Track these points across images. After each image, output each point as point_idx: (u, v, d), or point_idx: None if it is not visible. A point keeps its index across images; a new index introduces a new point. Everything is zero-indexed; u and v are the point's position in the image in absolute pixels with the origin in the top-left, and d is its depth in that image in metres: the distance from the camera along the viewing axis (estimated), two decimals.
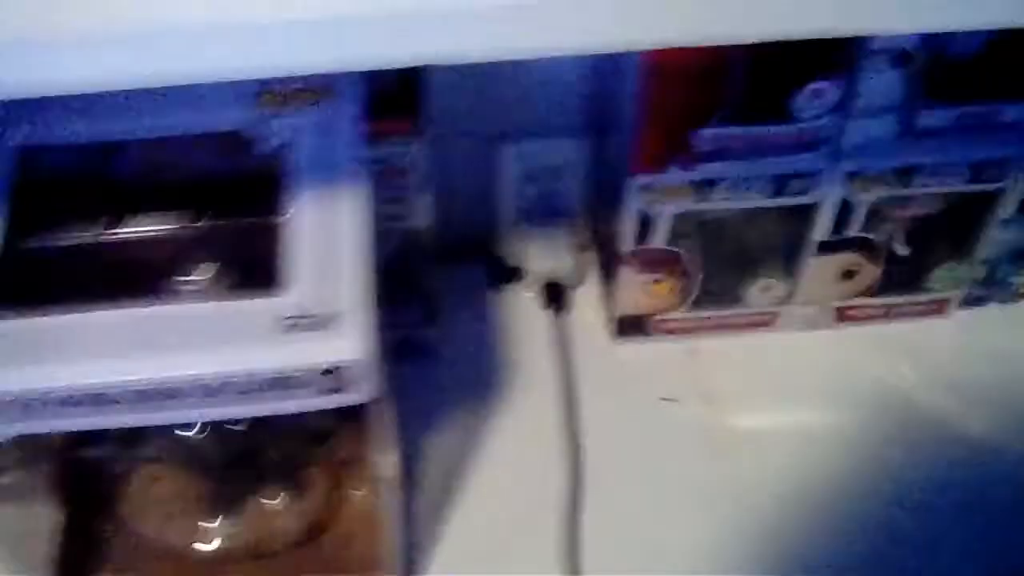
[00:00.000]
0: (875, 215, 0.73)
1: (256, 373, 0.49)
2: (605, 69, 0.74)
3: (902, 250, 0.77)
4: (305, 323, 0.50)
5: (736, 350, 0.80)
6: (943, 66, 0.65)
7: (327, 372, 0.50)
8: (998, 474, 0.73)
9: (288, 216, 0.53)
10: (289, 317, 0.50)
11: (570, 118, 0.78)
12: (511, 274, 0.82)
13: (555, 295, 0.80)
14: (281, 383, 0.50)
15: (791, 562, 0.68)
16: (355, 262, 0.51)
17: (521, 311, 0.81)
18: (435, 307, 0.77)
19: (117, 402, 0.50)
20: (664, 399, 0.78)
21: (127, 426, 0.52)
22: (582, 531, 0.70)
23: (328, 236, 0.52)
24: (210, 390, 0.50)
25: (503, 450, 0.74)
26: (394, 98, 0.63)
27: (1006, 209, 0.75)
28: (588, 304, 0.82)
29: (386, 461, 0.59)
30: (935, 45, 0.64)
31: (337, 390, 0.51)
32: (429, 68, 0.71)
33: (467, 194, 0.80)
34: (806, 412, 0.77)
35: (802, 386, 0.79)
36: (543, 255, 0.80)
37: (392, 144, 0.65)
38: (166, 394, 0.50)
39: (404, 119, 0.64)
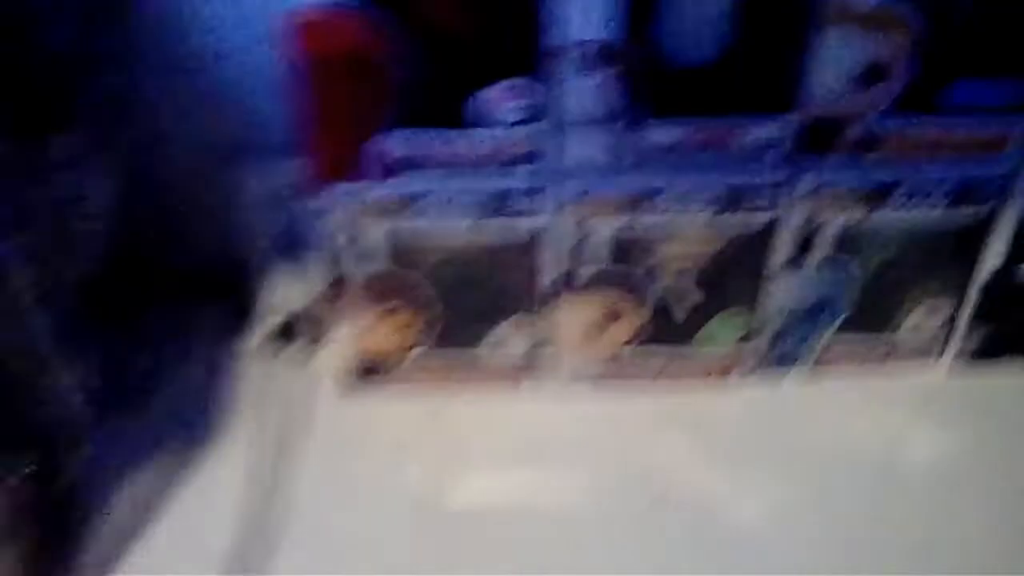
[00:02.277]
0: (628, 248, 0.64)
1: None
2: None
3: (672, 296, 0.67)
4: None
5: (487, 408, 0.71)
6: (669, 74, 0.57)
7: None
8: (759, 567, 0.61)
9: None
10: None
11: None
12: (248, 314, 0.74)
13: (290, 337, 0.72)
14: None
15: None
16: None
17: (253, 354, 0.73)
18: (158, 347, 0.70)
19: None
20: (393, 459, 0.68)
21: None
22: None
23: None
24: None
25: (200, 508, 0.65)
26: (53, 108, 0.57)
27: (781, 252, 0.65)
28: (330, 350, 0.73)
29: None
30: (648, 47, 0.56)
31: None
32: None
33: (199, 223, 0.74)
34: (549, 484, 0.67)
35: (553, 453, 0.68)
36: (282, 292, 0.72)
37: (61, 161, 0.58)
38: None
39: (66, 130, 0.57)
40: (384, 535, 0.63)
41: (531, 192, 0.61)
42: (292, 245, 0.71)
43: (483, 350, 0.69)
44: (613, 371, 0.70)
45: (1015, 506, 0.64)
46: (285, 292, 0.72)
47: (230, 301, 0.75)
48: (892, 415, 0.70)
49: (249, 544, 0.62)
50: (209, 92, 0.69)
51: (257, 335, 0.74)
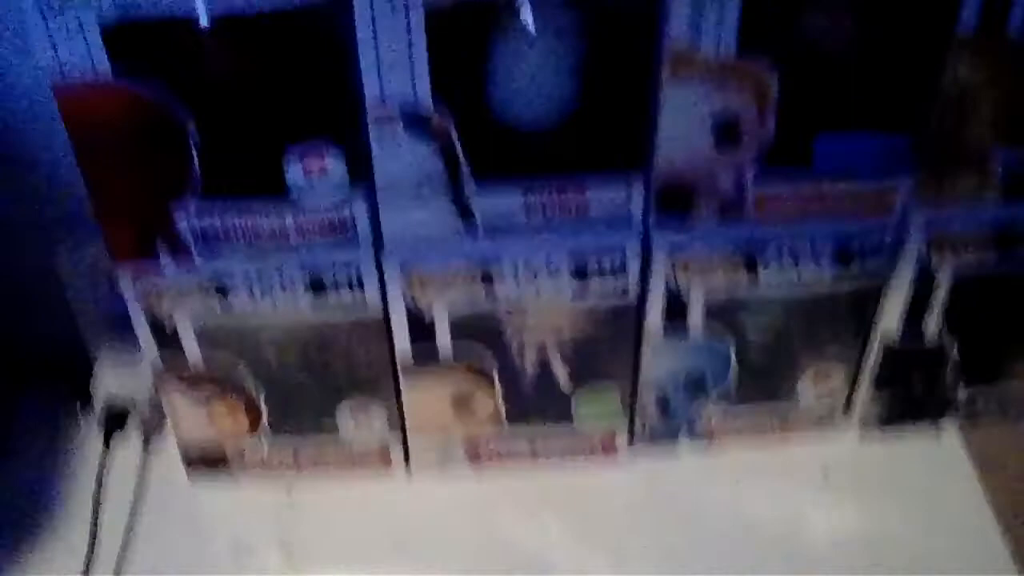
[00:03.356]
0: (473, 324, 0.57)
1: None
2: None
3: (530, 370, 0.60)
4: None
5: (347, 496, 0.64)
6: (503, 136, 0.50)
7: None
8: None
9: None
10: None
11: None
12: (83, 397, 0.67)
13: (126, 422, 0.65)
14: None
15: None
16: None
17: (90, 440, 0.66)
18: None
19: None
20: (242, 549, 0.61)
21: None
22: None
23: None
24: None
25: None
26: None
27: (651, 322, 0.58)
28: (170, 436, 0.66)
29: None
30: (472, 107, 0.49)
31: None
32: None
33: (37, 298, 0.67)
34: None
35: (415, 545, 0.62)
36: (116, 376, 0.66)
37: None
38: None
39: None
40: None
41: (348, 268, 0.54)
42: (121, 326, 0.64)
43: (330, 435, 0.62)
44: (480, 452, 0.64)
45: None
46: (119, 375, 0.66)
47: (64, 385, 0.69)
48: (791, 489, 0.63)
49: None
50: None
51: (93, 420, 0.67)
